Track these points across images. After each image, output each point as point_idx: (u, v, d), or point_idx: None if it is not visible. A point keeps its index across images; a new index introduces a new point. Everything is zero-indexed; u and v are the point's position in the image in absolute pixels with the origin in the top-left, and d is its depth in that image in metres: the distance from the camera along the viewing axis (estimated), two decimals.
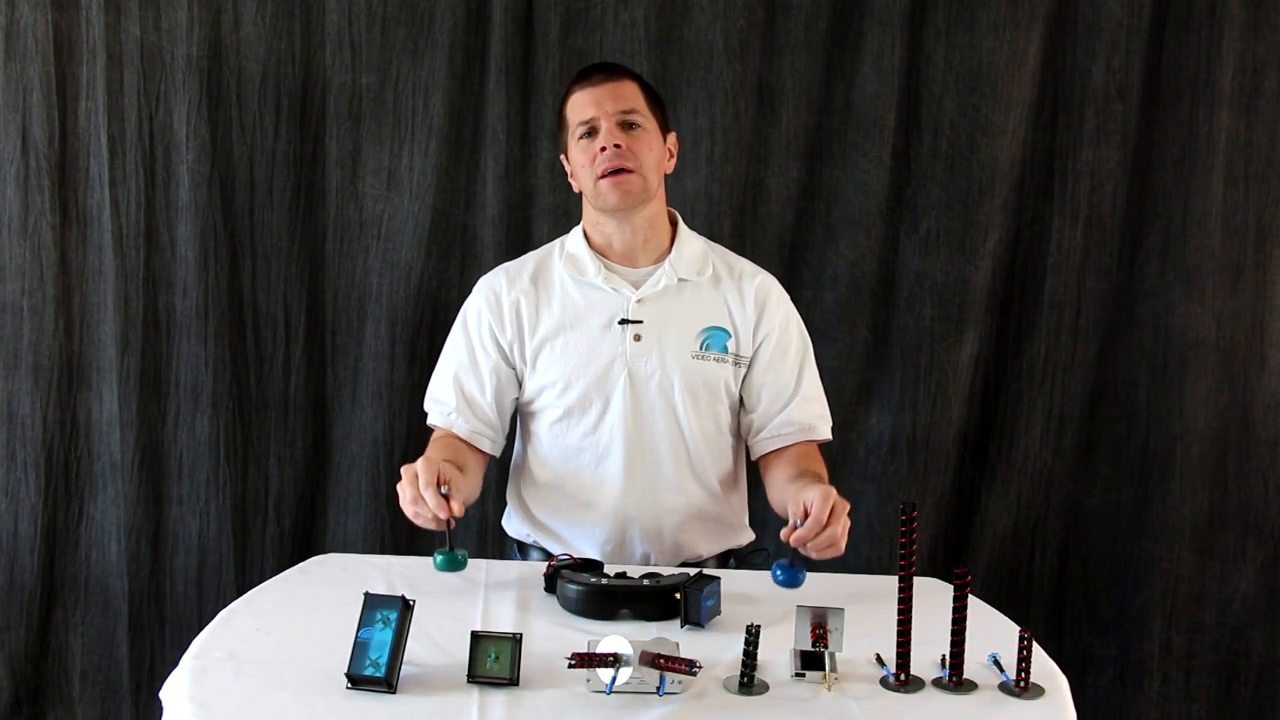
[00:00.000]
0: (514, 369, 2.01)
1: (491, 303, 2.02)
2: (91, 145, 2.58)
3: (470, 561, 1.80)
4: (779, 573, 1.68)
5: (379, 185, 2.64)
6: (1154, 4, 2.64)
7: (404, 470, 1.72)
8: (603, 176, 1.92)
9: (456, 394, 2.00)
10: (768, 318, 2.01)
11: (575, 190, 2.03)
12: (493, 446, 2.02)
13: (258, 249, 2.64)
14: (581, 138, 1.95)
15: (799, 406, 2.00)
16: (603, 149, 1.91)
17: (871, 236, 2.68)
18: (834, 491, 1.68)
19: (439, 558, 1.69)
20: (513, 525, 2.09)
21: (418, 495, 1.68)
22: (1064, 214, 2.69)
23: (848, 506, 1.69)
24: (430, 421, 2.05)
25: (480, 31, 2.61)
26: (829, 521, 1.65)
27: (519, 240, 2.62)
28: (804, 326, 2.08)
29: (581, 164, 1.95)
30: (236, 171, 2.61)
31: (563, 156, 2.04)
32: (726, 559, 2.06)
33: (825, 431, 2.04)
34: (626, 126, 1.93)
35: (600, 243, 2.02)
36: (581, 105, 1.94)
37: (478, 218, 2.66)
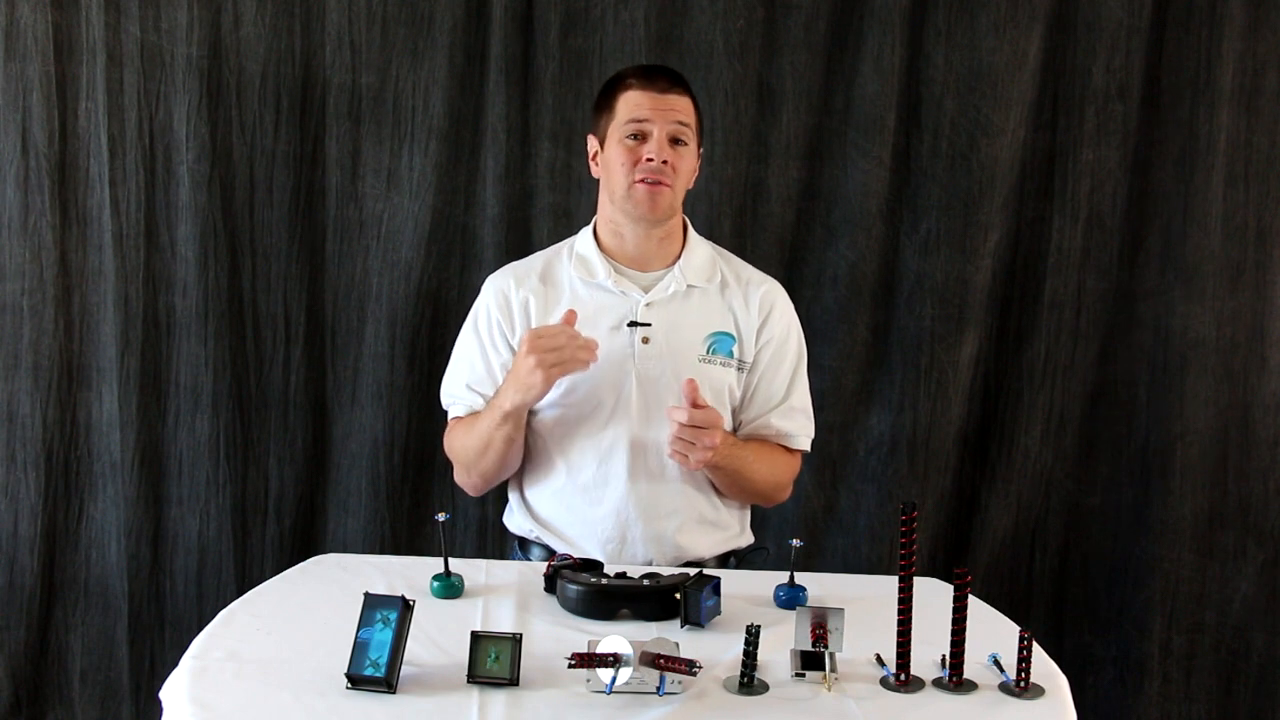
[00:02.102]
0: None
1: (500, 302, 2.02)
2: (91, 145, 2.58)
3: (470, 562, 1.81)
4: (780, 594, 1.71)
5: (379, 185, 2.64)
6: (1154, 4, 2.64)
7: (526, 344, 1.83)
8: (640, 181, 1.93)
9: (472, 394, 2.01)
10: (770, 325, 2.03)
11: (594, 175, 2.03)
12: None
13: (258, 249, 2.63)
14: (628, 137, 1.94)
15: (783, 414, 2.02)
16: (649, 159, 1.92)
17: (871, 236, 2.68)
18: (722, 429, 1.87)
19: (435, 584, 1.69)
20: (514, 521, 2.09)
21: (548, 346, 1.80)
22: (1064, 214, 2.69)
23: (718, 436, 1.84)
24: (454, 414, 2.07)
25: (480, 31, 2.61)
26: (697, 425, 1.82)
27: (519, 240, 2.62)
28: (804, 338, 2.10)
29: (620, 162, 1.95)
30: (236, 171, 2.61)
31: (591, 136, 2.03)
32: (727, 559, 2.06)
33: (803, 443, 2.06)
34: (675, 141, 1.94)
35: (612, 245, 2.02)
36: (639, 105, 1.94)
37: (478, 218, 2.66)
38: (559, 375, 1.83)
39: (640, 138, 1.94)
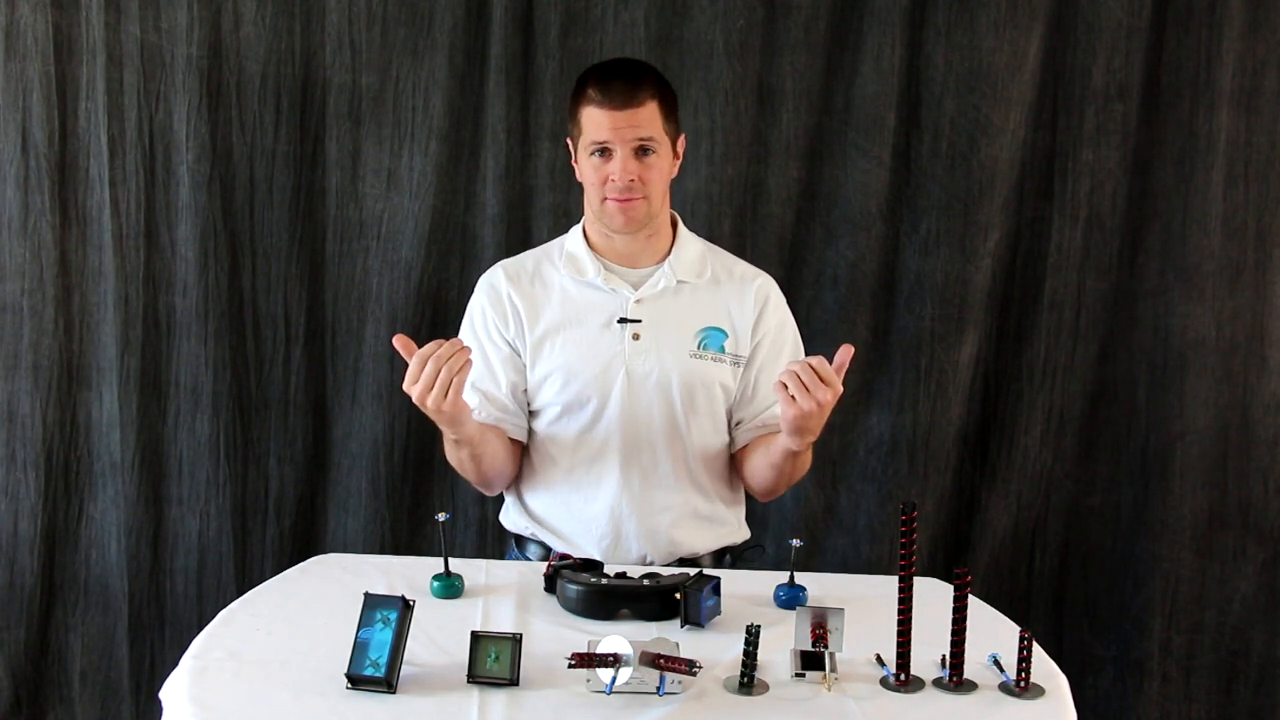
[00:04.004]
0: (522, 359, 2.01)
1: (493, 299, 2.03)
2: (91, 145, 2.57)
3: (469, 562, 1.81)
4: (780, 594, 1.71)
5: (379, 185, 2.64)
6: (1154, 4, 2.64)
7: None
8: (610, 199, 1.92)
9: (474, 392, 1.99)
10: (766, 318, 2.03)
11: (578, 179, 2.03)
12: (518, 432, 2.01)
13: (258, 249, 2.63)
14: (594, 154, 1.93)
15: None
16: (613, 179, 1.91)
17: (871, 236, 2.68)
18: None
19: (435, 584, 1.69)
20: (510, 519, 2.09)
21: (421, 369, 1.66)
22: (1064, 214, 2.69)
23: (830, 400, 1.70)
24: None
25: (480, 31, 2.61)
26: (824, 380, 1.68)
27: (519, 240, 2.61)
28: (797, 329, 2.09)
29: (590, 180, 1.95)
30: (236, 171, 2.61)
31: (569, 140, 2.03)
32: (723, 556, 2.06)
33: None
34: (641, 152, 1.92)
35: (600, 243, 2.02)
36: (598, 124, 1.91)
37: (478, 218, 2.66)
38: (457, 395, 1.70)
39: (605, 154, 1.92)
